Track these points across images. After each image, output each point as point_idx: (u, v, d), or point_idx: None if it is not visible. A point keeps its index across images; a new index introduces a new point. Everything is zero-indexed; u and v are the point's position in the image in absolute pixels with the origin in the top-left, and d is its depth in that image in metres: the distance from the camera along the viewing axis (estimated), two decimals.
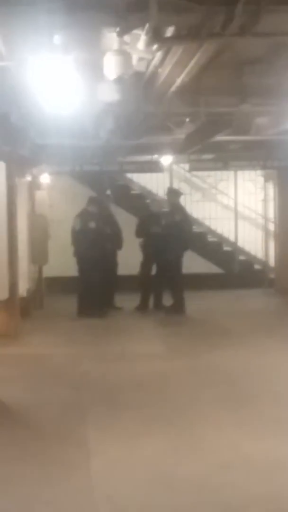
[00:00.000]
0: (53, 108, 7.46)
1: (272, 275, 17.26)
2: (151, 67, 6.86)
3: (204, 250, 17.24)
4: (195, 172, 17.01)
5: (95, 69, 6.43)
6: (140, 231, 14.30)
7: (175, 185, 16.91)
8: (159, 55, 6.26)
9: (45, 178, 15.46)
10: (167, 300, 14.12)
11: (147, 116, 9.26)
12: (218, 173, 17.21)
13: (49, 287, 15.53)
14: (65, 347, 11.00)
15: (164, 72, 6.82)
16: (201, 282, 16.56)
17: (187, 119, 9.98)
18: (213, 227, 17.90)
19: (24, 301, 12.27)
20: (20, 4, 4.85)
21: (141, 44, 5.35)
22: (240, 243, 17.89)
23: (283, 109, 8.90)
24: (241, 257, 17.90)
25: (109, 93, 6.73)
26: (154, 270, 14.43)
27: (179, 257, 14.05)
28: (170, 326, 12.87)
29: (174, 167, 17.31)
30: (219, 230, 17.92)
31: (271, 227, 17.56)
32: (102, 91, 6.81)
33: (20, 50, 5.79)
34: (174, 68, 6.57)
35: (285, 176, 16.04)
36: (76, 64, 5.78)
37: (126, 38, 5.44)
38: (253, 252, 17.97)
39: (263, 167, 15.72)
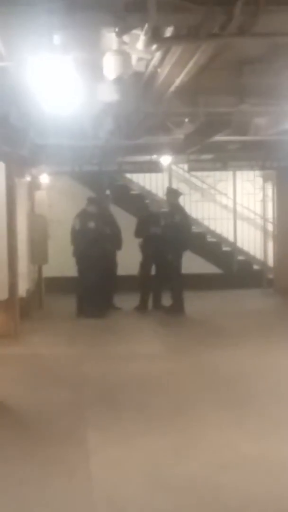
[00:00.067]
0: (52, 108, 7.45)
1: (271, 275, 17.28)
2: (150, 67, 6.86)
3: (203, 250, 17.25)
4: (194, 172, 17.02)
5: (94, 69, 6.44)
6: (140, 231, 14.30)
7: (174, 185, 16.91)
8: (158, 55, 6.26)
9: (44, 178, 15.47)
10: (167, 300, 14.13)
11: (146, 116, 9.26)
12: (217, 173, 17.21)
13: (48, 287, 15.54)
14: (65, 347, 11.01)
15: (163, 72, 6.82)
16: (200, 282, 16.56)
17: (186, 119, 9.98)
18: (212, 227, 17.92)
19: (23, 301, 12.27)
20: (19, 4, 4.85)
21: (140, 44, 5.35)
22: (239, 243, 17.91)
23: (282, 109, 8.90)
24: (240, 257, 17.91)
25: (108, 93, 6.73)
26: (153, 270, 14.45)
27: (179, 257, 14.05)
28: (169, 326, 12.88)
29: (173, 167, 17.32)
30: (218, 230, 17.94)
31: (270, 227, 17.57)
32: (102, 91, 6.82)
33: (20, 50, 5.79)
34: (173, 68, 6.57)
35: (284, 176, 16.05)
36: (75, 64, 5.78)
37: (125, 38, 5.45)
38: (252, 252, 17.98)
39: (262, 168, 15.73)
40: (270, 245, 17.49)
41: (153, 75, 7.14)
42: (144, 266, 14.38)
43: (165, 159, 14.88)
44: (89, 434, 6.82)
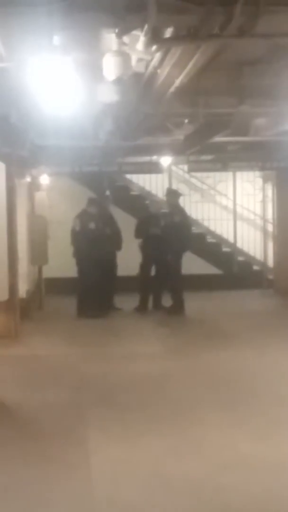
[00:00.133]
0: (52, 109, 7.47)
1: (270, 276, 17.27)
2: (150, 68, 6.87)
3: (203, 251, 17.25)
4: (194, 173, 17.03)
5: (94, 70, 6.45)
6: (139, 232, 14.31)
7: (174, 186, 16.92)
8: (158, 56, 6.27)
9: (44, 179, 15.47)
10: (167, 301, 14.14)
11: (146, 117, 9.27)
12: (217, 174, 17.22)
13: (48, 288, 15.54)
14: (65, 347, 11.01)
15: (163, 73, 6.83)
16: (200, 283, 16.56)
17: (186, 120, 9.99)
18: (212, 228, 17.92)
19: (23, 302, 12.28)
20: (19, 5, 4.86)
21: (140, 45, 5.36)
22: (239, 244, 17.91)
23: (282, 110, 8.90)
24: (240, 258, 17.91)
25: (108, 94, 6.75)
26: (153, 271, 14.45)
27: (178, 258, 14.06)
28: (169, 327, 12.88)
29: (173, 168, 17.32)
30: (218, 231, 17.94)
31: (270, 228, 17.58)
32: (101, 92, 6.83)
33: (20, 51, 5.80)
34: (173, 69, 6.57)
35: (284, 177, 16.05)
36: (75, 65, 5.79)
37: (125, 39, 5.46)
38: (252, 253, 17.98)
39: (262, 168, 15.75)
40: (270, 245, 17.49)
41: (153, 76, 7.15)
42: (144, 266, 14.39)
43: (165, 160, 14.89)
44: (90, 435, 6.82)
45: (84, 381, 8.92)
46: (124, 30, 5.18)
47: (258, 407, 7.70)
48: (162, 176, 16.86)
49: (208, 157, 14.85)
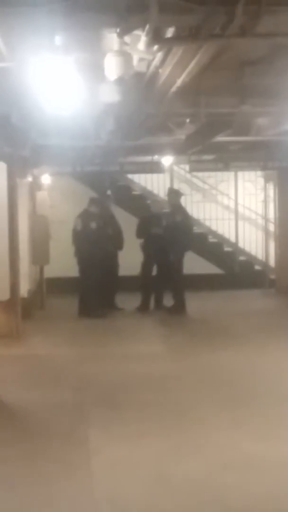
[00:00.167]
0: (54, 109, 7.47)
1: (272, 276, 17.27)
2: (151, 68, 6.86)
3: (204, 251, 17.25)
4: (195, 173, 17.02)
5: (95, 70, 6.44)
6: (141, 232, 14.32)
7: (176, 186, 16.91)
8: (159, 55, 6.27)
9: (46, 179, 15.48)
10: (168, 300, 14.14)
11: (147, 116, 9.26)
12: (219, 174, 17.24)
13: (50, 287, 15.54)
14: (67, 347, 11.01)
15: (165, 72, 6.82)
16: (201, 282, 16.57)
17: (188, 120, 9.98)
18: (213, 227, 17.93)
19: (25, 302, 12.28)
20: (20, 5, 4.85)
21: (141, 44, 5.36)
22: (240, 244, 17.91)
23: (284, 110, 8.90)
24: (242, 258, 17.91)
25: (109, 94, 6.74)
26: (155, 271, 14.45)
27: (180, 258, 14.06)
28: (171, 327, 12.89)
29: (175, 168, 17.32)
30: (220, 230, 17.95)
31: (272, 227, 17.57)
32: (103, 92, 6.82)
33: (21, 51, 5.79)
34: (175, 68, 6.57)
35: (286, 176, 16.05)
36: (76, 65, 5.79)
37: (127, 39, 5.45)
38: (253, 252, 17.98)
39: (264, 168, 15.75)
40: (272, 245, 17.48)
41: (155, 75, 7.14)
42: (146, 266, 14.39)
43: (167, 160, 14.89)
44: (91, 434, 6.82)
45: (85, 381, 8.92)
46: (125, 30, 5.18)
47: (259, 406, 7.70)
48: (163, 176, 16.86)
49: (210, 156, 14.85)
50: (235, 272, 17.64)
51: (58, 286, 15.80)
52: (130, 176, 17.49)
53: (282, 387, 8.50)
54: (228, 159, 15.01)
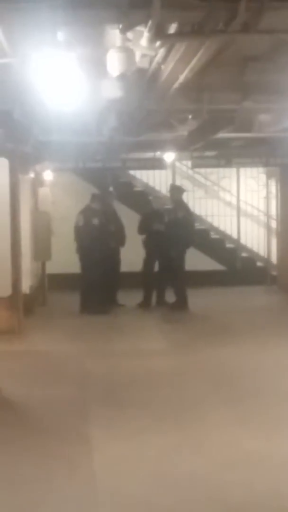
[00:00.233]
0: (56, 105, 7.46)
1: (274, 272, 17.26)
2: (154, 64, 6.86)
3: (206, 247, 17.25)
4: (197, 169, 17.01)
5: (98, 66, 6.44)
6: (143, 228, 14.31)
7: (178, 182, 16.89)
8: (162, 51, 6.26)
9: (48, 175, 15.47)
10: (170, 296, 14.13)
11: (150, 112, 9.26)
12: (221, 170, 17.22)
13: (52, 283, 15.55)
14: (68, 343, 11.01)
15: (167, 69, 6.82)
16: (203, 279, 16.56)
17: (190, 116, 9.97)
18: (215, 224, 17.92)
19: (27, 298, 12.28)
20: (23, 1, 4.85)
21: (144, 41, 5.35)
22: (242, 240, 17.90)
23: (286, 106, 8.89)
24: (244, 254, 17.91)
25: (112, 90, 6.74)
26: (157, 267, 14.45)
27: (182, 254, 14.05)
28: (172, 323, 12.88)
29: (177, 164, 17.31)
30: (222, 227, 17.94)
31: (274, 224, 17.56)
32: (105, 87, 6.82)
33: (23, 47, 5.79)
34: (177, 64, 6.56)
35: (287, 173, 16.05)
36: (79, 61, 5.79)
37: (129, 35, 5.45)
38: (255, 249, 17.98)
39: (266, 164, 15.72)
40: (274, 242, 17.47)
41: (157, 71, 7.14)
42: (148, 262, 14.39)
43: (169, 156, 14.88)
44: (92, 431, 6.82)
45: (86, 377, 8.92)
46: (128, 26, 5.17)
47: (261, 404, 7.69)
48: (165, 172, 16.86)
49: (212, 153, 14.84)
50: (237, 269, 17.63)
51: (59, 282, 15.79)
52: (132, 172, 17.48)
53: (283, 384, 8.49)
54: (230, 155, 15.00)
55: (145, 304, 14.25)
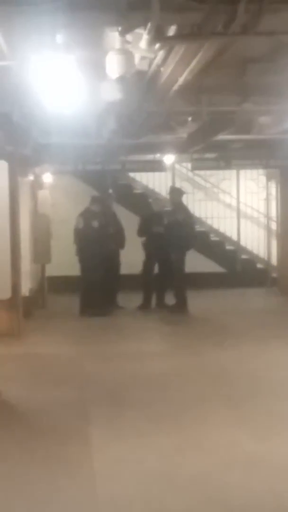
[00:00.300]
0: (55, 107, 7.47)
1: (274, 274, 17.26)
2: (153, 66, 6.86)
3: (206, 249, 17.24)
4: (197, 171, 17.02)
5: (97, 68, 6.44)
6: (143, 230, 14.31)
7: (178, 184, 16.90)
8: (161, 54, 6.26)
9: (47, 177, 15.47)
10: (170, 299, 14.13)
11: (149, 115, 9.25)
12: (221, 172, 17.22)
13: (51, 286, 15.54)
14: (68, 346, 11.01)
15: (166, 71, 6.81)
16: (203, 281, 16.55)
17: (190, 118, 9.98)
18: (215, 226, 17.93)
19: (26, 301, 12.28)
20: (22, 3, 4.85)
21: (143, 43, 5.35)
22: (242, 242, 17.90)
23: (285, 108, 8.89)
24: (244, 256, 17.90)
25: (111, 92, 6.73)
26: (156, 269, 14.44)
27: (182, 256, 14.04)
28: (172, 325, 12.88)
29: (177, 166, 17.31)
30: (222, 229, 17.94)
31: (274, 226, 17.56)
32: (105, 90, 6.81)
33: (22, 49, 5.79)
34: (176, 67, 6.56)
35: (287, 175, 16.03)
36: (78, 63, 5.78)
37: (128, 37, 5.45)
38: (255, 251, 17.98)
39: (266, 166, 15.74)
40: (274, 243, 17.48)
41: (156, 74, 7.13)
42: (147, 265, 14.39)
43: (168, 158, 14.88)
44: (93, 433, 6.82)
45: (87, 380, 8.91)
46: (127, 28, 5.18)
47: (262, 405, 7.69)
48: (165, 174, 16.85)
49: (212, 155, 14.85)
50: (237, 271, 17.63)
51: (59, 284, 15.79)
52: (131, 174, 17.49)
53: (283, 386, 8.49)
54: (230, 157, 15.00)
55: (145, 306, 14.24)
